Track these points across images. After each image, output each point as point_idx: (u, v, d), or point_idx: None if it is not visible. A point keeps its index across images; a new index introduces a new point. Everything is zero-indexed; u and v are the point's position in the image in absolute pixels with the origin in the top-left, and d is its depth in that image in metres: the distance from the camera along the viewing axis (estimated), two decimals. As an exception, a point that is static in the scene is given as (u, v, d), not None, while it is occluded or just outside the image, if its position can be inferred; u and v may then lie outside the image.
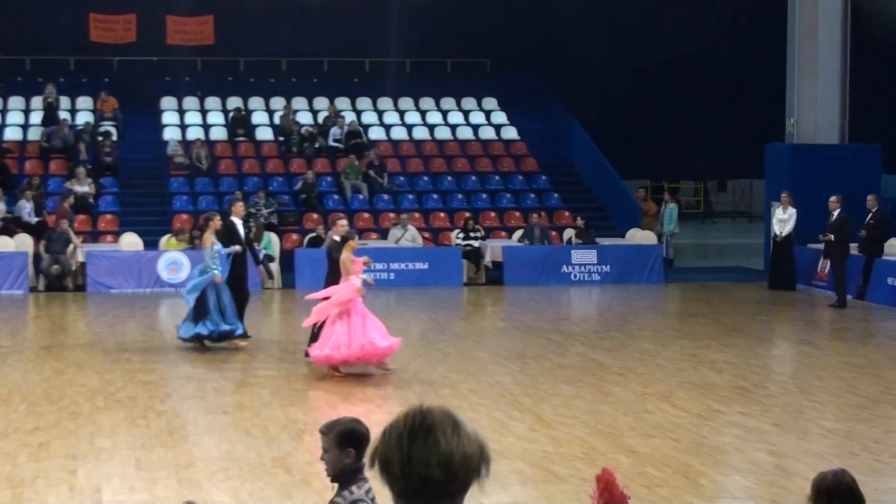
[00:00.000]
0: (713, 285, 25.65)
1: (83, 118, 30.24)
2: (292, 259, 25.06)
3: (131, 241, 25.18)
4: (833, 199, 22.71)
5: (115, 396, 14.13)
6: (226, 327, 17.09)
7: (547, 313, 21.73)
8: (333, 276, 16.00)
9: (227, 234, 17.48)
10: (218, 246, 17.14)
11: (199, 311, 17.00)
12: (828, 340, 19.08)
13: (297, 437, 12.11)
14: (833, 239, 22.45)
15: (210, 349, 17.05)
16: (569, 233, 27.23)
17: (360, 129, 31.09)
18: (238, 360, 16.55)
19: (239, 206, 18.50)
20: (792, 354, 18.24)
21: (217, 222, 17.50)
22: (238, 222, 17.85)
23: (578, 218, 27.02)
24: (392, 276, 24.91)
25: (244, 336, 17.40)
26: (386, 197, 28.89)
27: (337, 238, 16.41)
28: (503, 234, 27.54)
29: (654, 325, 20.65)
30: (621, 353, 17.16)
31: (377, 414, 13.22)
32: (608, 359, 16.62)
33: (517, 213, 28.63)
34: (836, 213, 22.61)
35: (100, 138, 29.11)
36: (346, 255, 15.53)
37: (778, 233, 24.55)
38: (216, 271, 16.96)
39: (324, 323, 15.41)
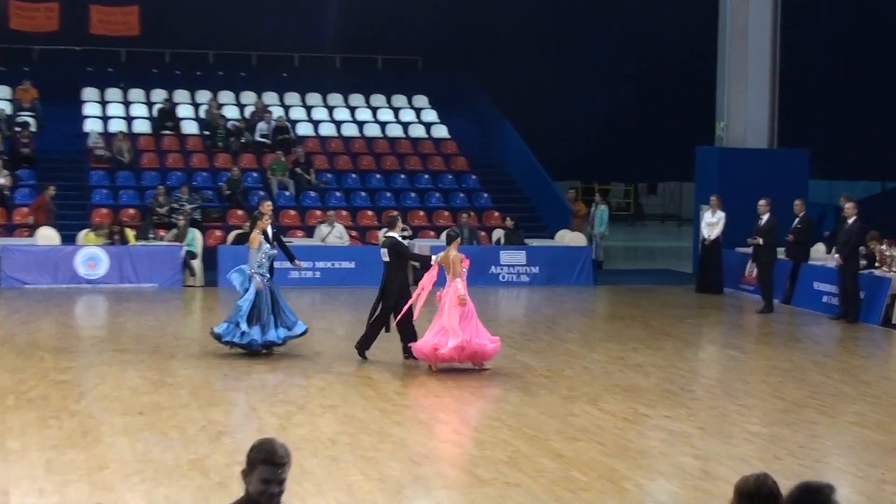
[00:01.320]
0: (642, 288, 25.78)
1: (0, 108, 29.72)
2: (215, 256, 24.81)
3: (48, 236, 24.77)
4: (762, 202, 22.87)
5: (26, 396, 13.85)
6: (281, 333, 16.51)
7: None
8: (395, 274, 16.19)
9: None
10: (267, 246, 16.71)
11: (251, 316, 16.31)
12: (754, 344, 19.22)
13: (216, 439, 11.93)
14: (762, 243, 22.63)
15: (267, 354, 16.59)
16: (498, 233, 27.24)
17: (288, 124, 30.90)
18: (155, 359, 16.31)
19: (267, 205, 18.21)
20: (718, 358, 18.34)
21: (266, 221, 16.94)
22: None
23: (508, 218, 27.04)
24: (318, 274, 24.76)
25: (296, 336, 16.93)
26: (313, 194, 28.74)
27: (395, 235, 16.46)
28: (432, 233, 27.49)
29: (582, 328, 20.69)
30: (548, 355, 17.15)
31: (298, 416, 13.09)
32: (535, 361, 16.59)
33: (446, 213, 28.60)
34: (765, 217, 22.77)
35: (17, 129, 28.64)
36: (455, 255, 15.75)
37: (706, 236, 24.71)
38: (262, 273, 16.43)
39: (406, 318, 15.90)
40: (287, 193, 28.47)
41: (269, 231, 17.13)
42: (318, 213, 27.64)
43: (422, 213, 28.63)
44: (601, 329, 20.89)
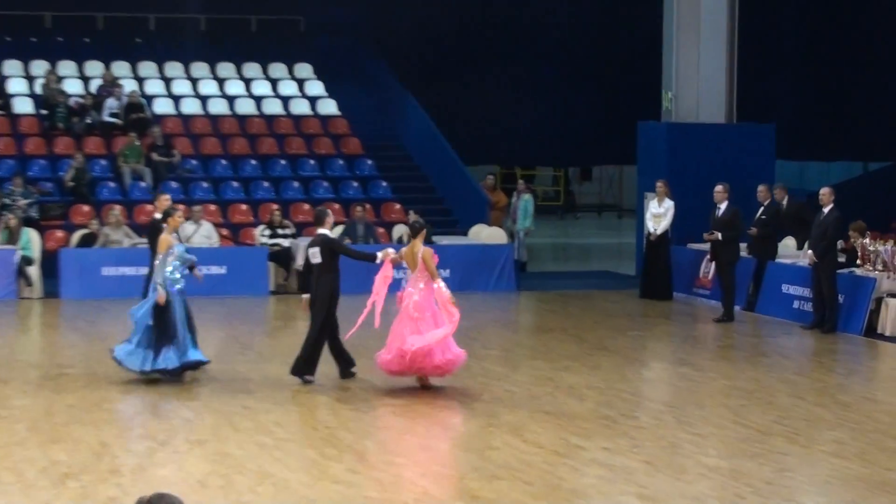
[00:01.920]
0: (574, 294, 25.95)
1: None
2: (56, 262, 24.57)
3: None
4: (719, 188, 23.06)
5: None
6: (195, 357, 16.42)
7: (372, 329, 21.62)
8: (326, 276, 16.26)
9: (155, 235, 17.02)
10: (181, 248, 16.47)
11: (163, 337, 16.11)
12: (711, 361, 19.41)
13: (60, 483, 11.84)
14: (720, 238, 22.80)
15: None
16: (400, 230, 27.26)
17: (143, 101, 30.72)
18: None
19: (165, 199, 17.92)
20: (668, 378, 18.52)
21: (178, 218, 16.83)
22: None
23: (412, 212, 27.03)
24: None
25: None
26: (174, 185, 28.57)
27: (327, 232, 16.49)
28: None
29: (503, 343, 20.76)
30: (462, 376, 17.17)
31: (160, 453, 13.02)
32: (446, 383, 16.63)
33: (336, 205, 28.55)
34: (723, 207, 22.95)
35: None
36: (426, 252, 16.03)
37: (652, 230, 24.92)
38: (177, 285, 16.23)
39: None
40: (142, 184, 28.28)
41: (179, 233, 17.05)
42: (181, 207, 27.43)
43: (307, 206, 28.53)
44: (526, 344, 21.00)
